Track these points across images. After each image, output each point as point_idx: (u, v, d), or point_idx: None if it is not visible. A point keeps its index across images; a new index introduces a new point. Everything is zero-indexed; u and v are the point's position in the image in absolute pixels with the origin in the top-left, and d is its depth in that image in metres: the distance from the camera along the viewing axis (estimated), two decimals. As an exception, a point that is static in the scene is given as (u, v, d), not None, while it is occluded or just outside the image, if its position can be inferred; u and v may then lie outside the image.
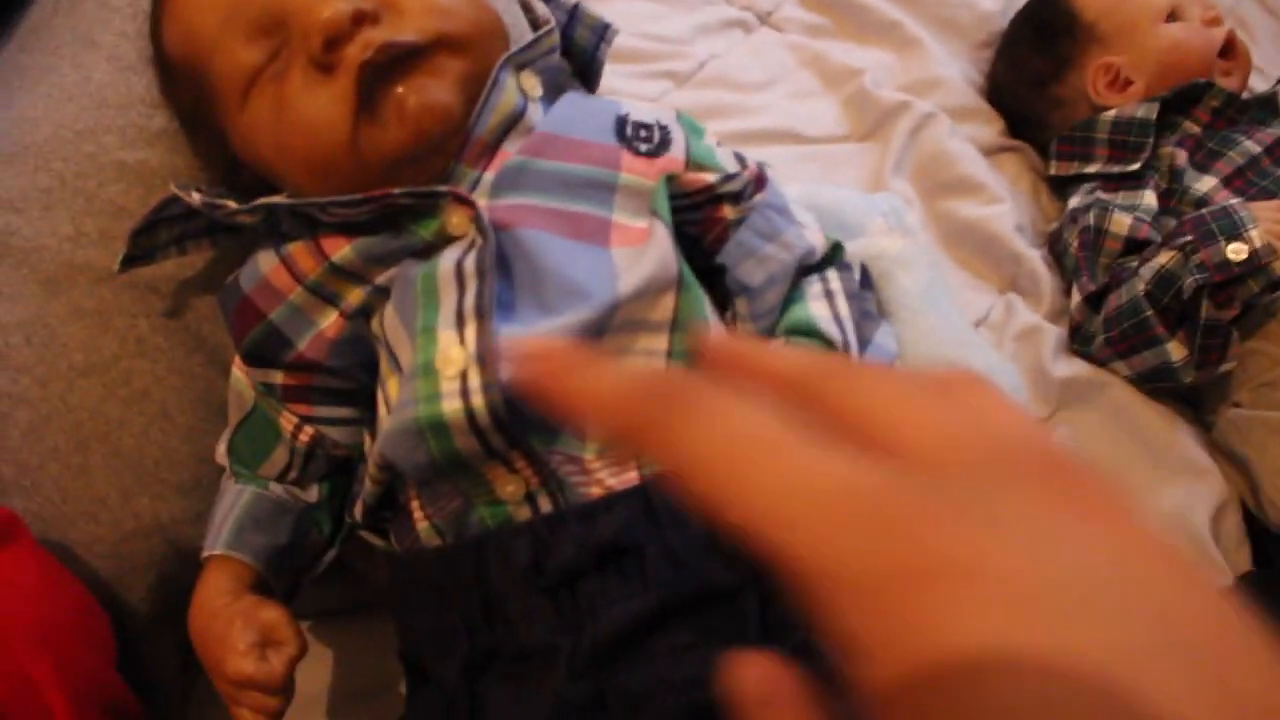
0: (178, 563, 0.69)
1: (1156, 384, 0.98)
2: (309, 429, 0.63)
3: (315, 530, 0.66)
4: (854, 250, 0.68)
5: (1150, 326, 0.94)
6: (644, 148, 0.60)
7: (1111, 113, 1.10)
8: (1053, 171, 1.16)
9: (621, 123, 0.61)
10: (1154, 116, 1.07)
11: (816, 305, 0.62)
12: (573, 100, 0.62)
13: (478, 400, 0.51)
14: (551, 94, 0.62)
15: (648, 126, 0.61)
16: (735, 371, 0.26)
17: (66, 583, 0.61)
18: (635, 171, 0.59)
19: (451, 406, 0.52)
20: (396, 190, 0.55)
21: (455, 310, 0.53)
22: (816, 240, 0.63)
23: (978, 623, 0.18)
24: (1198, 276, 0.89)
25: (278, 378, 0.62)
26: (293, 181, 0.60)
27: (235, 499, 0.64)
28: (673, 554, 0.53)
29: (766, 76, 1.20)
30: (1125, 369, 0.98)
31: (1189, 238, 0.91)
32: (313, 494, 0.66)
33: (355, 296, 0.59)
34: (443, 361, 0.52)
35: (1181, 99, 1.09)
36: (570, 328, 0.53)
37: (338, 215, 0.57)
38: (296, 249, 0.59)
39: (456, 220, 0.56)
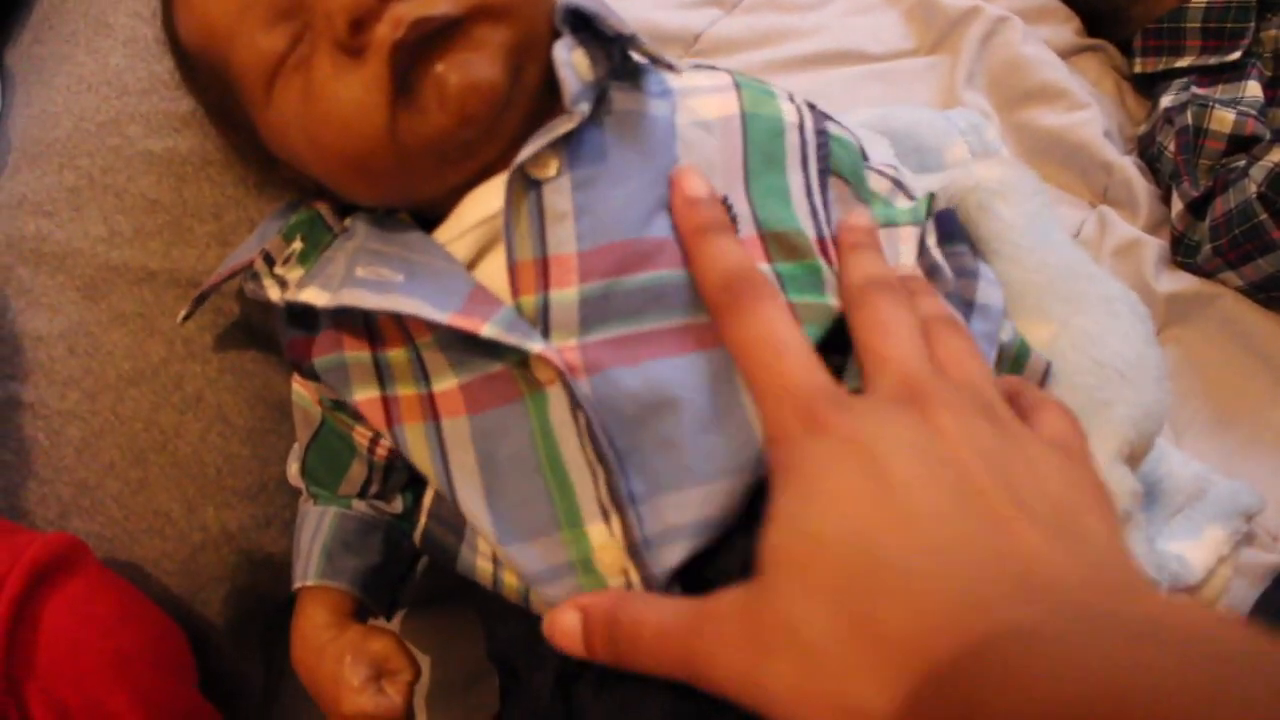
0: (251, 572, 0.66)
1: (1273, 293, 0.91)
2: (386, 442, 0.59)
3: (406, 541, 0.62)
4: (947, 183, 0.62)
5: (1265, 231, 0.87)
6: None
7: (1203, -2, 1.01)
8: (1138, 69, 1.08)
9: None
10: (1254, -3, 0.98)
11: None
12: (627, 170, 0.51)
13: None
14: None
15: None
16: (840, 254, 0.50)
17: (140, 606, 0.58)
18: None
19: None
20: (483, 329, 0.47)
21: (595, 499, 0.48)
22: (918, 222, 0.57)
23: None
24: (1319, 173, 0.81)
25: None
26: (331, 178, 0.54)
27: (318, 523, 0.60)
28: None
29: (820, -7, 1.12)
30: (1237, 279, 0.91)
31: (1306, 130, 0.84)
32: (397, 505, 0.62)
33: (416, 424, 0.53)
34: (604, 564, 0.48)
35: (1284, -26, 1.00)
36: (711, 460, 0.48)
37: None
38: (386, 324, 0.53)
39: (543, 372, 0.49)
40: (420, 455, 0.52)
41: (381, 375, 0.54)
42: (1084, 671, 0.24)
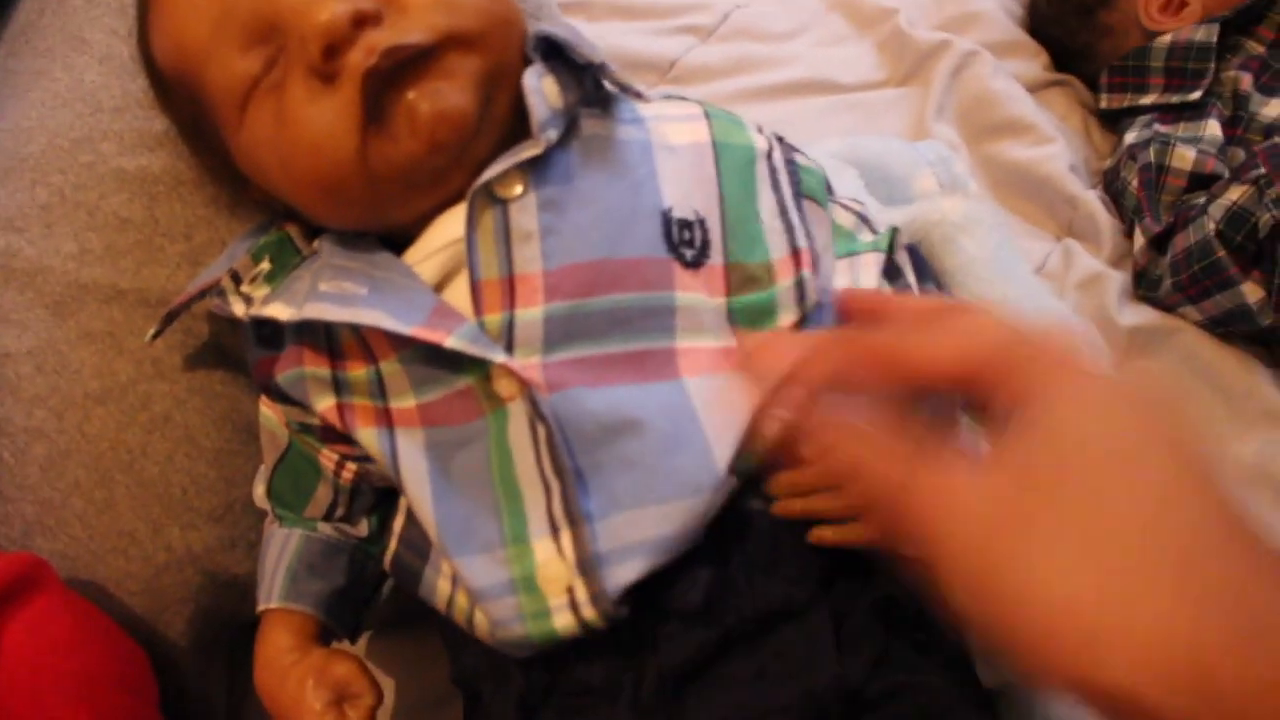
0: (216, 593, 0.66)
1: (1231, 328, 0.92)
2: (352, 465, 0.59)
3: (371, 564, 0.62)
4: (913, 217, 0.63)
5: (1223, 268, 0.88)
6: (689, 255, 0.52)
7: (1167, 38, 1.03)
8: (1104, 105, 1.10)
9: (667, 223, 0.53)
10: (1214, 39, 1.00)
11: None
12: (594, 192, 0.52)
13: (589, 612, 0.48)
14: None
15: (689, 225, 0.53)
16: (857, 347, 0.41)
17: (100, 627, 0.58)
18: (688, 289, 0.52)
19: (564, 622, 0.49)
20: (447, 340, 0.48)
21: (546, 515, 0.49)
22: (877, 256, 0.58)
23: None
24: (1275, 212, 0.83)
25: (314, 419, 0.56)
26: (301, 201, 0.54)
27: (283, 545, 0.60)
28: (732, 579, 0.50)
29: (795, 24, 1.14)
30: (1196, 313, 0.93)
31: (1263, 170, 0.85)
32: (363, 528, 0.62)
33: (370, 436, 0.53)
34: (546, 580, 0.49)
35: (1243, 17, 1.02)
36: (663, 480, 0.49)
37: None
38: (348, 342, 0.54)
39: (505, 387, 0.49)
40: (376, 457, 0.53)
41: (339, 389, 0.54)
42: None
